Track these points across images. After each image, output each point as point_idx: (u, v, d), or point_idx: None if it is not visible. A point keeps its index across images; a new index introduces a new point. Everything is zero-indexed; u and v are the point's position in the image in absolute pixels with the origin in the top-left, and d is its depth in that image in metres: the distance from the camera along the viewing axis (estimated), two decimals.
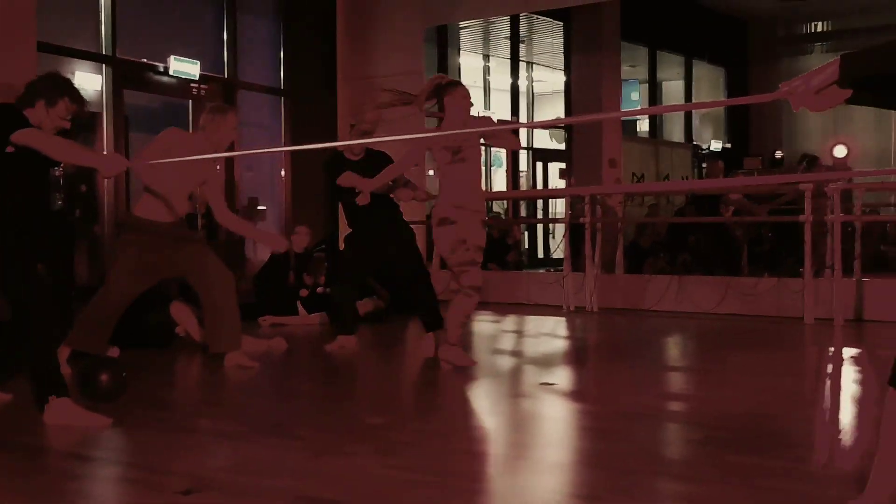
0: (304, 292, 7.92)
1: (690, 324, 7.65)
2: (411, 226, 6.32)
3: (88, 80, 8.07)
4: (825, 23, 17.45)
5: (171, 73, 8.59)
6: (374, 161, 6.01)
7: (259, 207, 9.54)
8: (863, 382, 4.93)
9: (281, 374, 5.70)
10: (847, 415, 4.26)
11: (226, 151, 5.60)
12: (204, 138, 5.18)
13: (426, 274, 6.23)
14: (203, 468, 3.24)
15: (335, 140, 9.92)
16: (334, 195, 6.25)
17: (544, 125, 15.21)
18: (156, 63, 8.54)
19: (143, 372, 5.30)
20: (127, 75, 8.29)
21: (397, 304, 8.23)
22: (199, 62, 8.83)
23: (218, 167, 5.89)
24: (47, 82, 4.06)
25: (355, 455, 3.38)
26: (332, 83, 10.43)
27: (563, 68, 14.65)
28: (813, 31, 17.73)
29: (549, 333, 7.48)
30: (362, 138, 5.93)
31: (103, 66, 8.12)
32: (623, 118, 14.96)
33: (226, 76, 9.28)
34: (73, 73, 7.97)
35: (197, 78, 8.84)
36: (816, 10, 16.25)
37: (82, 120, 6.16)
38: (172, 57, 8.60)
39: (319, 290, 7.94)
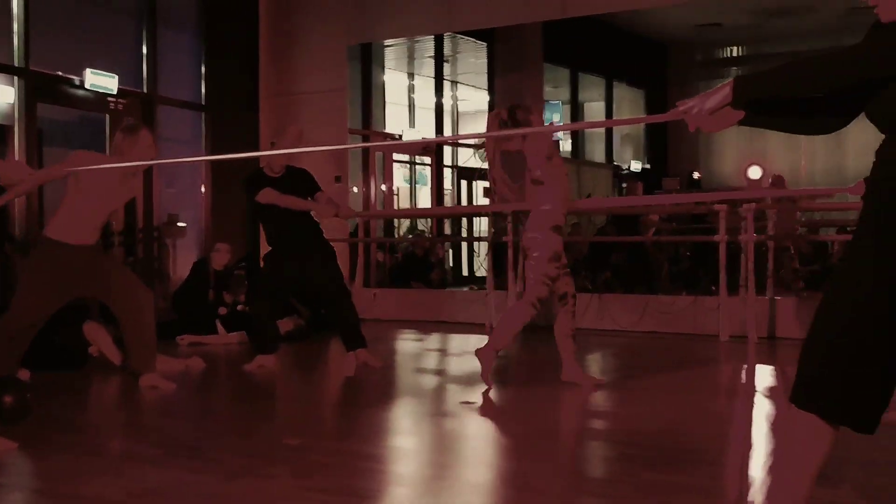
0: (223, 310, 7.79)
1: (610, 341, 7.75)
2: (332, 244, 6.28)
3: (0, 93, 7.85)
4: (740, 48, 17.97)
5: (87, 86, 8.39)
6: (294, 178, 5.96)
7: (179, 224, 9.37)
8: (773, 399, 5.06)
9: (198, 394, 5.59)
10: (757, 431, 4.35)
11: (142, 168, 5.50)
12: (118, 161, 4.97)
13: (347, 293, 6.19)
14: (113, 493, 3.15)
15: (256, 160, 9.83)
16: (254, 212, 6.18)
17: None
18: (71, 76, 8.34)
19: (55, 394, 5.13)
20: (40, 88, 8.07)
21: (318, 323, 8.16)
22: (116, 76, 8.64)
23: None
24: None
25: (271, 477, 3.32)
26: (255, 99, 10.33)
27: (486, 88, 14.78)
28: (729, 55, 18.24)
29: (471, 352, 7.48)
30: (281, 160, 5.90)
31: (15, 78, 7.90)
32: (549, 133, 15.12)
33: (145, 91, 9.11)
34: None
35: (115, 92, 8.65)
36: (732, 36, 16.71)
37: None
38: (89, 70, 8.40)
39: (239, 308, 7.82)
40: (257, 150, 9.89)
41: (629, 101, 18.68)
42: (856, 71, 2.01)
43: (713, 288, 7.82)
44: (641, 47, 17.29)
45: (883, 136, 2.09)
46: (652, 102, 18.53)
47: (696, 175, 17.35)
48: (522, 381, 6.18)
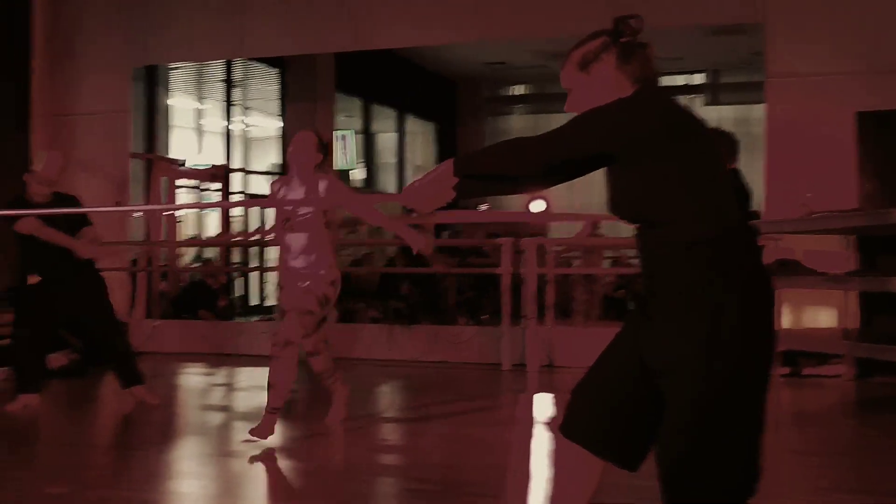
0: None
1: (399, 372, 7.80)
2: (110, 272, 5.95)
3: None
4: (526, 86, 18.76)
5: None
6: (61, 205, 5.60)
7: None
8: (552, 428, 5.24)
9: None
10: (537, 462, 4.49)
11: None
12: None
13: (119, 326, 5.89)
14: None
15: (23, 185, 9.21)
16: (18, 241, 5.71)
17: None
18: None
19: None
20: None
21: (95, 356, 7.70)
22: None
23: None
24: None
25: None
26: (25, 119, 9.66)
27: (278, 114, 14.62)
28: (514, 93, 18.99)
29: (259, 386, 7.30)
30: (45, 185, 5.56)
31: None
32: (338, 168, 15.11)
33: None
34: None
35: None
36: (517, 74, 17.42)
37: None
38: None
39: (2, 342, 7.23)
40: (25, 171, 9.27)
41: (421, 134, 19.06)
42: (562, 152, 2.15)
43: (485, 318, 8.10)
44: (432, 81, 17.69)
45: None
46: (443, 136, 18.99)
47: (482, 207, 17.92)
48: (313, 415, 6.09)
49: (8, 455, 4.64)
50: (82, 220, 5.68)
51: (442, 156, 19.28)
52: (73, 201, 5.71)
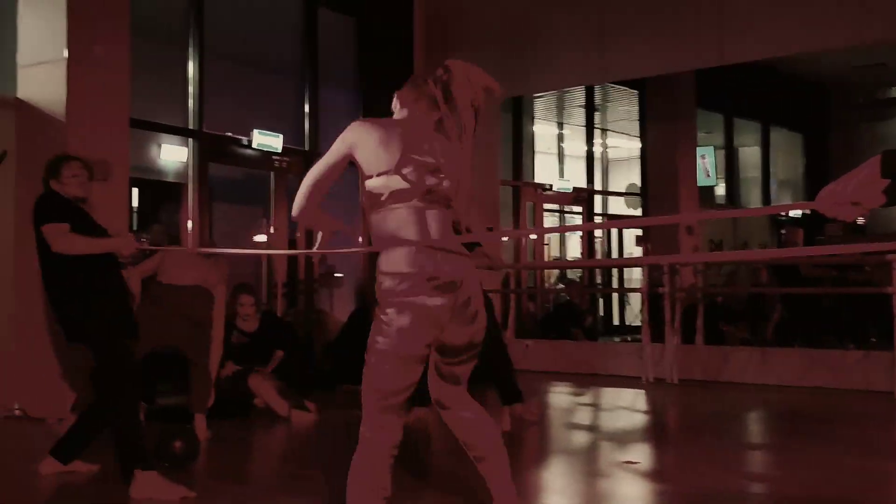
0: None
1: (774, 397, 7.45)
2: (488, 294, 6.33)
3: (175, 153, 8.36)
4: None
5: (254, 146, 8.85)
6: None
7: (336, 275, 9.67)
8: None
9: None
10: None
11: None
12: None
13: (505, 345, 6.20)
14: None
15: None
16: None
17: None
18: (240, 136, 8.81)
19: (221, 442, 5.37)
20: (212, 148, 8.56)
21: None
22: (281, 135, 9.07)
23: None
24: (47, 165, 4.38)
25: None
26: None
27: (638, 135, 14.66)
28: (893, 96, 17.42)
29: (627, 407, 7.36)
30: None
31: (190, 139, 8.41)
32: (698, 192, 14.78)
33: (306, 148, 9.51)
34: (160, 146, 8.28)
35: (279, 150, 9.07)
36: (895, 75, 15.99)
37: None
38: (256, 130, 8.85)
39: None
40: None
41: (786, 146, 18.11)
42: None
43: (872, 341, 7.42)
44: (799, 90, 16.76)
45: None
46: (811, 146, 17.89)
47: (860, 220, 16.54)
48: (681, 439, 6.02)
49: (408, 464, 5.09)
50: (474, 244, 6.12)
51: (810, 168, 18.16)
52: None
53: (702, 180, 15.01)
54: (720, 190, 16.83)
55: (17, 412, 6.35)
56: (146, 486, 3.91)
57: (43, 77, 6.69)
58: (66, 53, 6.59)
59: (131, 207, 7.93)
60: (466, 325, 2.87)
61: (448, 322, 2.81)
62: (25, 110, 6.68)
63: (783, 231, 16.77)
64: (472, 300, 2.86)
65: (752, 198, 17.50)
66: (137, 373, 4.25)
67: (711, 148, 15.97)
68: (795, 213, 17.66)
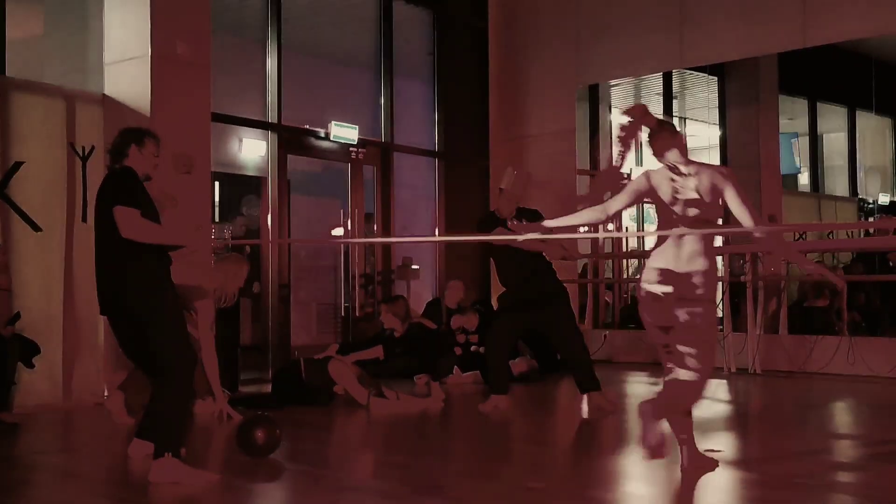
0: (457, 350, 7.98)
1: (862, 388, 7.24)
2: (564, 284, 6.29)
3: (255, 147, 8.50)
4: None
5: (331, 137, 8.95)
6: (526, 219, 6.03)
7: (413, 267, 9.73)
8: None
9: (437, 433, 5.74)
10: None
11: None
12: (220, 279, 5.79)
13: (581, 334, 6.16)
14: None
15: (487, 201, 10.07)
16: (489, 254, 6.29)
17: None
18: (317, 129, 8.92)
19: (302, 430, 5.45)
20: (290, 141, 8.68)
21: (549, 364, 8.18)
22: (357, 127, 9.15)
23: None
24: (131, 130, 4.34)
25: None
26: (485, 145, 10.60)
27: (717, 122, 14.36)
28: None
29: (709, 397, 7.23)
30: (512, 201, 6.02)
31: (269, 132, 8.54)
32: (784, 173, 14.44)
33: (383, 140, 9.58)
34: (240, 140, 8.43)
35: (356, 142, 9.16)
36: None
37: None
38: (333, 122, 8.95)
39: (473, 348, 7.97)
40: (487, 194, 10.17)
41: (875, 131, 17.53)
42: None
43: None
44: (888, 73, 16.21)
45: None
46: None
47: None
48: (766, 428, 5.90)
49: (489, 450, 5.11)
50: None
51: None
52: (536, 215, 6.13)
53: (786, 168, 14.64)
54: (804, 179, 16.39)
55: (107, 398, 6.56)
56: (167, 471, 3.90)
57: (128, 74, 6.88)
58: (150, 50, 6.77)
59: (213, 201, 8.11)
60: None
61: None
62: (111, 106, 6.88)
63: (872, 219, 16.25)
64: None
65: (838, 186, 16.99)
66: (196, 359, 4.23)
67: (795, 134, 15.56)
68: (883, 199, 17.11)
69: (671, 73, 13.30)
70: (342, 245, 9.19)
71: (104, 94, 6.95)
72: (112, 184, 4.11)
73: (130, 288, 4.02)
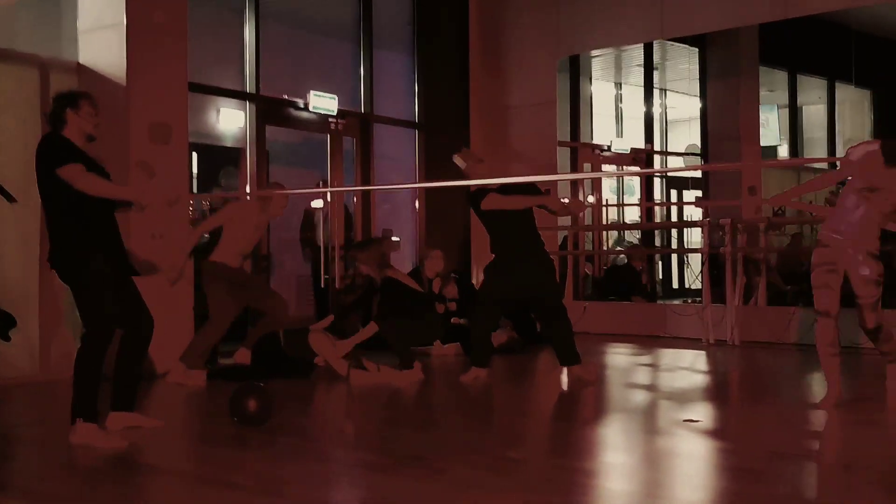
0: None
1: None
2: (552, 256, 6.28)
3: (233, 117, 8.42)
4: None
5: (310, 108, 8.87)
6: (517, 187, 6.01)
7: (394, 238, 9.70)
8: None
9: (418, 405, 5.75)
10: None
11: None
12: (260, 209, 6.38)
13: (564, 308, 6.16)
14: (348, 500, 3.29)
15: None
16: (483, 221, 6.18)
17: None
18: (296, 99, 8.84)
19: (283, 402, 5.43)
20: (269, 111, 8.60)
21: (530, 335, 8.20)
22: (336, 97, 9.07)
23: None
24: (64, 94, 4.38)
25: (499, 491, 3.37)
26: (465, 115, 10.54)
27: (698, 94, 14.36)
28: None
29: (687, 367, 7.29)
30: (479, 168, 6.04)
31: (247, 103, 8.45)
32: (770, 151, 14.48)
33: (362, 111, 9.51)
34: (218, 110, 8.34)
35: (335, 113, 9.08)
36: None
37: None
38: (312, 93, 8.87)
39: (453, 320, 7.96)
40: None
41: (854, 103, 17.59)
42: None
43: None
44: (867, 44, 16.24)
45: None
46: (881, 103, 17.37)
47: None
48: (744, 399, 5.95)
49: (470, 421, 5.12)
50: (538, 192, 6.11)
51: (878, 126, 17.63)
52: (529, 185, 6.12)
53: (765, 140, 14.68)
54: (783, 151, 16.45)
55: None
56: (85, 434, 4.10)
57: (103, 42, 6.77)
58: (125, 18, 6.66)
59: (191, 172, 8.02)
60: None
61: None
62: (86, 75, 6.77)
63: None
64: None
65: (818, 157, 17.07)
66: (112, 329, 4.25)
67: (775, 107, 15.60)
68: None
69: (652, 44, 13.27)
70: (321, 215, 9.13)
71: (79, 63, 6.84)
72: (44, 149, 4.23)
73: (57, 251, 4.22)
